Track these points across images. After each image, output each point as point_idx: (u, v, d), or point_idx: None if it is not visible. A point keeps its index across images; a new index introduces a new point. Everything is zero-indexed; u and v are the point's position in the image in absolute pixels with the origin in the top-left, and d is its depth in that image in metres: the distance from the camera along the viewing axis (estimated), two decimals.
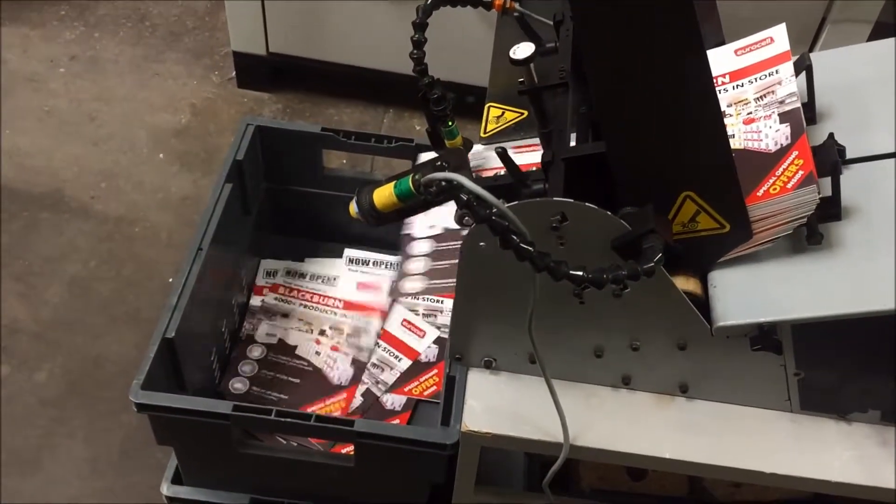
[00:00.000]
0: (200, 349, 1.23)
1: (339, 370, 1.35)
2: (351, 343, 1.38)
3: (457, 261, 1.20)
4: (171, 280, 1.64)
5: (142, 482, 1.41)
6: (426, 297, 1.33)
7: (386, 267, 1.46)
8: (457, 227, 1.24)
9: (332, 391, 1.33)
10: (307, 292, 1.44)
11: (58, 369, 1.53)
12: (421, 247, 1.29)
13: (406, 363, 1.32)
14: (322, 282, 1.46)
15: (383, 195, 0.87)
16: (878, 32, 1.67)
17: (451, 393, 0.97)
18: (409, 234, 1.28)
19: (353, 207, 0.90)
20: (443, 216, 1.28)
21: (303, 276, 1.46)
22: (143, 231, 1.76)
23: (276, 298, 1.43)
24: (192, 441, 1.09)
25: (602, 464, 1.03)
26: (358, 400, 1.31)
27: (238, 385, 1.32)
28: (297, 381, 1.34)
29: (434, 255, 1.27)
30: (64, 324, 1.60)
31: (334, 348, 1.37)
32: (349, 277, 1.46)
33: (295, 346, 1.37)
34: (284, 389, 1.32)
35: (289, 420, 1.02)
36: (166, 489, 1.16)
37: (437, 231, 1.28)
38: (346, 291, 1.44)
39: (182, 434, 1.07)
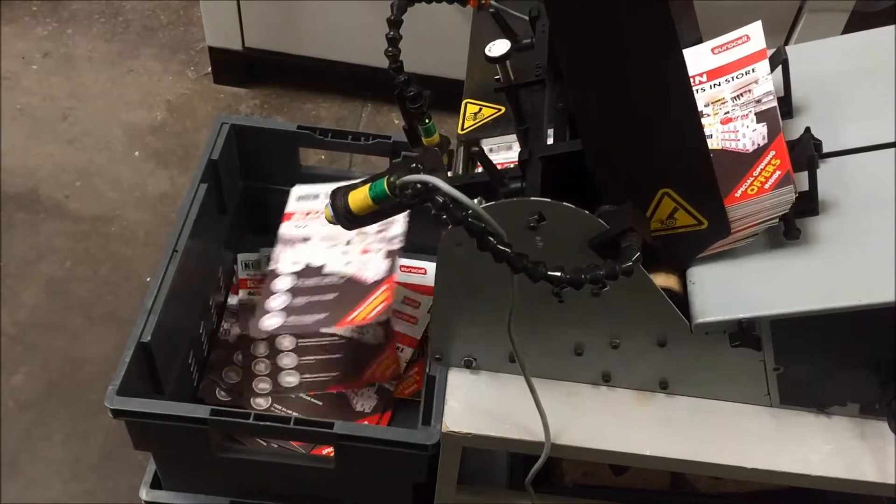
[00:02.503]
0: (177, 351, 1.22)
1: (373, 269, 1.25)
2: (381, 237, 1.29)
3: (314, 298, 1.22)
4: (148, 279, 1.63)
5: (122, 484, 1.40)
6: (284, 335, 1.32)
7: None
8: (318, 264, 1.25)
9: (369, 290, 1.23)
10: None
11: (35, 371, 1.52)
12: (283, 282, 1.28)
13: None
14: None
15: (358, 198, 0.86)
16: (853, 21, 1.67)
17: (432, 393, 0.96)
18: (273, 270, 1.28)
19: (328, 211, 0.89)
20: (308, 252, 1.28)
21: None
22: (120, 230, 1.74)
23: (249, 294, 1.40)
24: (170, 446, 1.08)
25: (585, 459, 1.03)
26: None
27: (273, 320, 1.23)
28: (334, 295, 1.24)
29: (294, 292, 1.26)
30: (41, 325, 1.58)
31: (364, 251, 1.28)
32: None
33: (322, 266, 1.28)
34: (322, 308, 1.23)
35: (267, 423, 1.01)
36: (145, 494, 1.15)
37: (300, 267, 1.28)
38: None
39: (160, 439, 1.06)
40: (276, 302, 1.25)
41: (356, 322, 1.20)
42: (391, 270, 1.22)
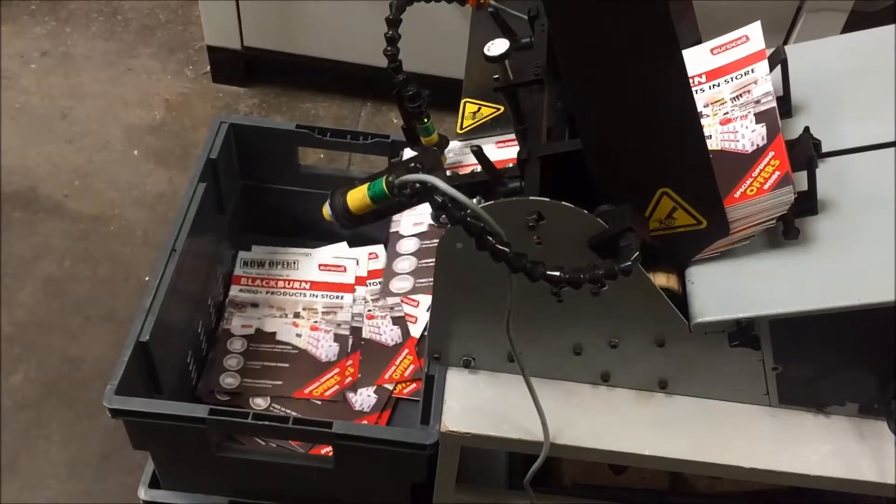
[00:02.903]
0: (176, 350, 1.22)
1: (325, 347, 1.34)
2: (328, 320, 1.37)
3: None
4: (147, 279, 1.62)
5: (121, 484, 1.39)
6: (416, 296, 1.33)
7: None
8: (445, 222, 1.24)
9: (324, 368, 1.33)
10: (272, 279, 1.43)
11: (33, 371, 1.52)
12: (407, 245, 1.28)
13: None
14: (283, 267, 1.45)
15: (357, 197, 0.86)
16: (852, 21, 1.67)
17: (430, 392, 0.96)
18: (396, 232, 1.28)
19: (326, 210, 0.89)
20: (429, 213, 1.28)
21: (261, 264, 1.44)
22: (119, 229, 1.74)
23: (240, 290, 1.42)
24: (168, 445, 1.08)
25: None
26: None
27: (229, 380, 1.31)
28: (287, 365, 1.33)
29: (420, 254, 1.26)
30: (39, 325, 1.58)
31: (314, 328, 1.36)
32: (308, 260, 1.45)
33: (274, 333, 1.37)
34: (276, 376, 1.31)
35: (266, 423, 1.01)
36: (144, 493, 1.15)
37: (424, 228, 1.28)
38: (310, 273, 1.44)
39: (158, 439, 1.06)
40: (403, 265, 1.26)
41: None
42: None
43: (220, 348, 1.34)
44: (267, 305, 1.40)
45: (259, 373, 1.32)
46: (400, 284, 1.26)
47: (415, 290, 1.26)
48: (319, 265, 1.44)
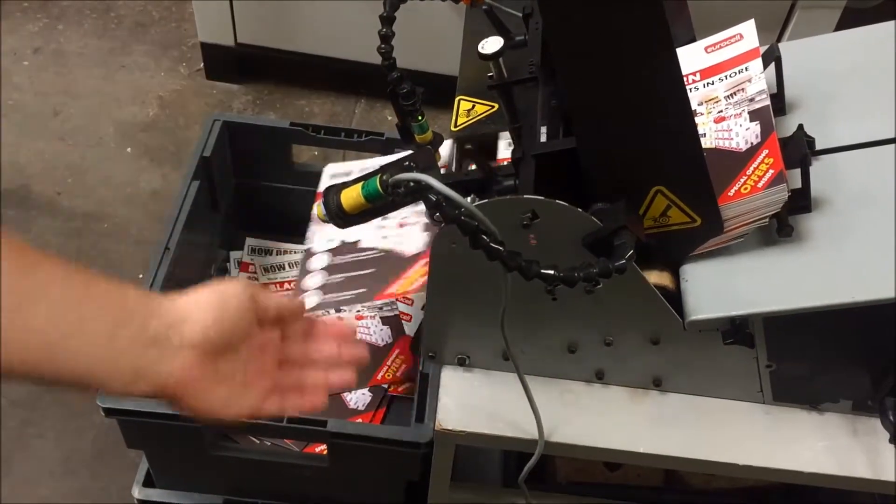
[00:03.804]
0: None
1: (411, 243, 1.25)
2: (420, 210, 1.24)
3: (351, 274, 1.22)
4: (140, 277, 1.62)
5: (115, 482, 1.39)
6: (321, 311, 1.31)
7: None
8: (352, 240, 1.24)
9: (409, 263, 1.23)
10: (267, 283, 1.41)
11: None
12: (319, 261, 1.28)
13: None
14: (278, 269, 1.44)
15: (351, 196, 0.86)
16: (846, 18, 1.67)
17: (425, 390, 0.96)
18: (309, 249, 1.27)
19: (320, 209, 0.89)
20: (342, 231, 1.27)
21: (266, 252, 1.42)
22: (112, 227, 1.73)
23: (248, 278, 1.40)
24: (162, 444, 1.08)
25: None
26: None
27: (311, 299, 1.22)
28: (371, 270, 1.24)
29: (331, 269, 1.26)
30: None
31: (401, 224, 1.27)
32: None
33: (357, 242, 1.28)
34: (360, 284, 1.23)
35: (260, 421, 1.01)
36: (137, 492, 1.15)
37: (335, 244, 1.27)
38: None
39: (152, 438, 1.06)
40: (313, 280, 1.24)
41: (395, 295, 1.18)
42: (431, 242, 1.19)
43: (301, 271, 1.28)
44: None
45: (340, 285, 1.26)
46: (308, 301, 1.24)
47: (321, 306, 1.24)
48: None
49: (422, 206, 1.23)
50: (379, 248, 1.24)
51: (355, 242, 1.25)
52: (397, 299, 1.40)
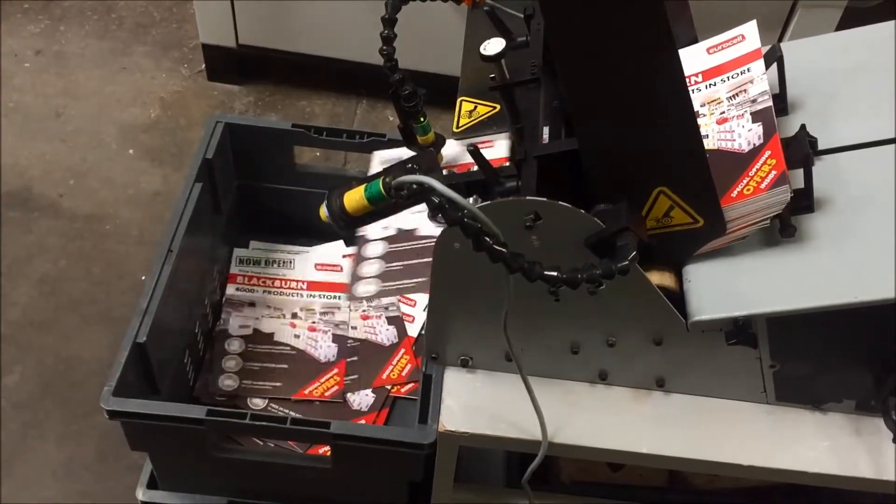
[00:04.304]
0: (173, 351, 1.21)
1: (324, 348, 1.33)
2: (326, 321, 1.37)
3: (409, 262, 1.21)
4: (143, 278, 1.62)
5: (118, 484, 1.39)
6: (381, 299, 1.31)
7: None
8: (409, 227, 1.24)
9: (322, 369, 1.32)
10: (269, 278, 1.42)
11: (29, 371, 1.51)
12: (375, 249, 1.28)
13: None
14: (279, 266, 1.44)
15: (354, 199, 0.86)
16: (848, 17, 1.67)
17: (428, 392, 0.96)
18: (363, 236, 1.27)
19: (323, 211, 0.89)
20: (397, 217, 1.28)
21: (257, 262, 1.44)
22: (114, 228, 1.73)
23: (237, 289, 1.41)
24: (166, 446, 1.08)
25: None
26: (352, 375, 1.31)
27: (228, 382, 1.30)
28: (285, 366, 1.32)
29: (387, 257, 1.26)
30: (34, 325, 1.57)
31: (311, 328, 1.35)
32: (304, 258, 1.44)
33: (272, 334, 1.36)
34: (275, 377, 1.30)
35: (263, 423, 1.01)
36: (142, 494, 1.15)
37: (391, 232, 1.27)
38: (306, 273, 1.43)
39: (156, 440, 1.06)
40: (370, 268, 1.24)
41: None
42: None
43: (217, 349, 1.34)
44: (264, 305, 1.39)
45: (258, 374, 1.32)
46: (365, 288, 1.25)
47: (380, 294, 1.25)
48: (316, 265, 1.44)
49: None
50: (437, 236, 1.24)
51: (412, 230, 1.25)
52: (400, 300, 1.40)
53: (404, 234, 1.25)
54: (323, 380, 1.31)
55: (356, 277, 1.23)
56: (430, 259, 1.19)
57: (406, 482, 1.08)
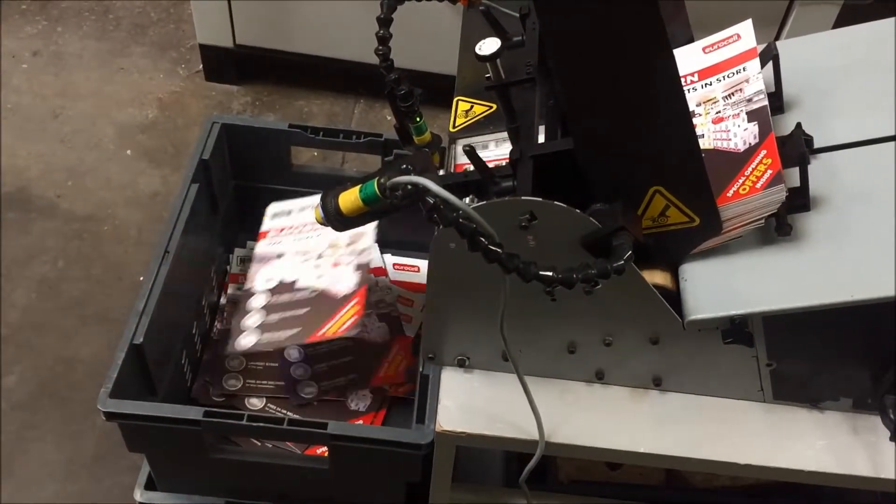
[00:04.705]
0: (170, 352, 1.21)
1: (344, 283, 1.29)
2: (351, 250, 1.32)
3: (287, 314, 1.23)
4: (141, 279, 1.62)
5: (116, 485, 1.39)
6: (258, 351, 1.31)
7: None
8: (290, 279, 1.26)
9: (340, 304, 1.27)
10: (296, 227, 1.38)
11: (28, 372, 1.51)
12: (257, 300, 1.29)
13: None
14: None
15: (349, 199, 0.86)
16: (844, 15, 1.67)
17: (425, 392, 0.96)
18: (248, 289, 1.29)
19: (318, 212, 0.89)
20: (282, 268, 1.30)
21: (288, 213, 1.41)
22: (112, 229, 1.73)
23: (238, 289, 1.40)
24: (163, 448, 1.08)
25: None
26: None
27: (248, 339, 1.27)
28: (306, 310, 1.28)
29: (268, 309, 1.27)
30: (33, 326, 1.57)
31: (335, 264, 1.31)
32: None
33: (294, 281, 1.31)
34: (295, 324, 1.27)
35: (261, 425, 1.01)
36: (139, 495, 1.15)
37: (273, 284, 1.29)
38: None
39: (154, 441, 1.06)
40: (251, 320, 1.27)
41: (327, 336, 1.21)
42: (361, 283, 1.24)
43: (219, 349, 1.33)
44: (291, 254, 1.34)
45: (260, 374, 1.31)
46: (246, 340, 1.26)
47: (258, 346, 1.26)
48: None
49: (356, 245, 1.27)
50: (313, 288, 1.26)
51: (293, 282, 1.27)
52: (396, 301, 1.40)
53: (286, 286, 1.28)
54: (340, 315, 1.25)
55: (238, 331, 1.25)
56: (307, 310, 1.21)
57: (404, 482, 1.08)
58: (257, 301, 1.29)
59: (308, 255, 1.30)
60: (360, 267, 1.26)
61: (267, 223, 1.34)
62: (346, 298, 1.24)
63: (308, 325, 1.23)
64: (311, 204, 1.27)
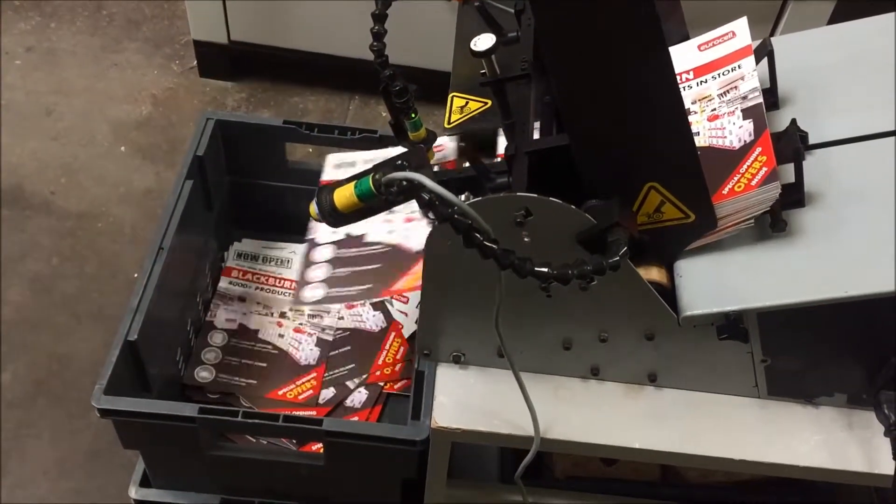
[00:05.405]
0: (164, 348, 1.21)
1: (305, 351, 1.33)
2: (314, 324, 1.36)
3: (357, 269, 1.22)
4: (135, 275, 1.62)
5: (111, 482, 1.39)
6: (326, 305, 1.31)
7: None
8: (357, 233, 1.25)
9: (301, 371, 1.32)
10: (262, 275, 1.42)
11: (22, 370, 1.51)
12: (322, 253, 1.28)
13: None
14: (276, 263, 1.44)
15: (344, 196, 0.86)
16: (840, 11, 1.67)
17: (421, 388, 0.96)
18: (312, 239, 1.27)
19: (313, 208, 0.89)
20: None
21: (254, 258, 1.44)
22: (106, 226, 1.73)
23: (230, 283, 1.41)
24: (158, 444, 1.08)
25: None
26: (328, 382, 1.30)
27: (204, 374, 1.29)
28: (264, 364, 1.32)
29: (335, 263, 1.26)
30: (27, 323, 1.57)
31: (297, 330, 1.35)
32: (302, 257, 1.42)
33: (257, 331, 1.36)
34: (252, 374, 1.31)
35: (256, 421, 1.01)
36: (134, 492, 1.15)
37: (339, 236, 1.27)
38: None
39: (148, 438, 1.06)
40: (317, 272, 1.24)
41: (403, 291, 1.19)
42: None
43: (200, 339, 1.33)
44: (254, 302, 1.39)
45: (236, 369, 1.31)
46: (312, 293, 1.25)
47: (326, 300, 1.25)
48: None
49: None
50: (385, 243, 1.24)
51: (361, 236, 1.25)
52: (392, 297, 1.40)
53: (353, 240, 1.26)
54: (299, 382, 1.31)
55: (303, 282, 1.24)
56: (378, 266, 1.21)
57: (399, 479, 1.08)
58: (322, 253, 1.26)
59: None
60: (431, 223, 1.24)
61: (329, 172, 1.30)
62: (420, 254, 1.21)
63: (380, 281, 1.21)
64: (374, 158, 1.22)
